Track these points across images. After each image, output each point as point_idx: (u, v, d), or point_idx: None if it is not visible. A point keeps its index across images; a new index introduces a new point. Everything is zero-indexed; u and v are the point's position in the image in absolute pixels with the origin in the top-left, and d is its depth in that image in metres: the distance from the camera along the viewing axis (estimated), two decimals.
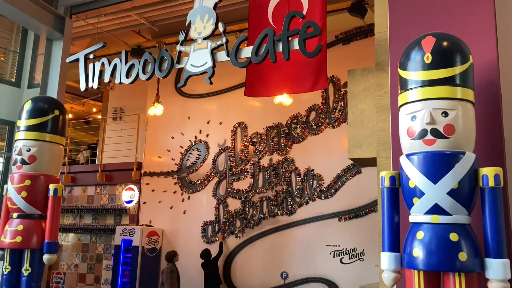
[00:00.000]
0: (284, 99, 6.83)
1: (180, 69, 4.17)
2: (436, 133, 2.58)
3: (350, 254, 7.00)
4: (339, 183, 7.31)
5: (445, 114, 2.59)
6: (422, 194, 2.57)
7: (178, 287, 7.36)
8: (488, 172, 2.52)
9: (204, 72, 3.87)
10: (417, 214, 2.63)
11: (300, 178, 7.64)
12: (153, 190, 9.06)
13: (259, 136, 8.20)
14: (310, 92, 6.76)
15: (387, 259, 2.71)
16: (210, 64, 3.86)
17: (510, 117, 3.24)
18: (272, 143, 8.05)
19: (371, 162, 4.48)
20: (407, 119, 2.73)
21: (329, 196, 7.34)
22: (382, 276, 2.80)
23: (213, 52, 3.86)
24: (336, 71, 7.61)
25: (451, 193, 2.50)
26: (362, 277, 6.80)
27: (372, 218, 6.93)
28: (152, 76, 4.07)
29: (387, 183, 2.84)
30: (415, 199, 2.61)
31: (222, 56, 3.89)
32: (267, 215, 7.78)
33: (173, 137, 9.10)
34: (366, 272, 6.78)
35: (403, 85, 2.82)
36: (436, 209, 2.54)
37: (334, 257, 7.10)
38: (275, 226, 7.70)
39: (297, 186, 7.63)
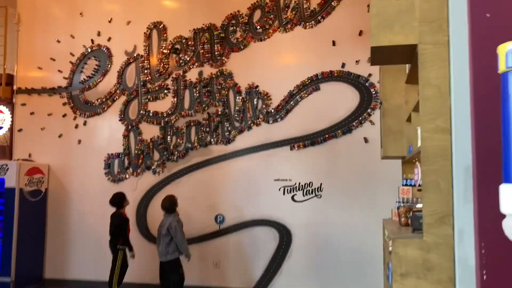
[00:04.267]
0: None
1: None
2: None
3: (305, 190, 5.64)
4: (291, 103, 5.77)
5: None
6: None
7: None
8: None
9: None
10: None
11: (240, 97, 5.93)
12: (32, 113, 6.66)
13: (183, 41, 6.21)
14: None
15: None
16: None
17: None
18: (202, 51, 6.13)
19: (400, 55, 2.98)
20: None
21: (279, 120, 5.79)
22: (505, 224, 1.40)
23: None
24: None
25: None
26: (319, 217, 5.54)
27: (332, 145, 5.59)
28: None
29: None
30: None
31: None
32: (196, 144, 6.02)
33: (59, 41, 6.65)
34: (325, 211, 5.52)
35: None
36: None
37: (284, 193, 5.69)
38: (207, 158, 6.00)
39: (237, 108, 5.93)
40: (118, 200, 5.15)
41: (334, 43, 5.65)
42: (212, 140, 5.99)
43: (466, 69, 2.43)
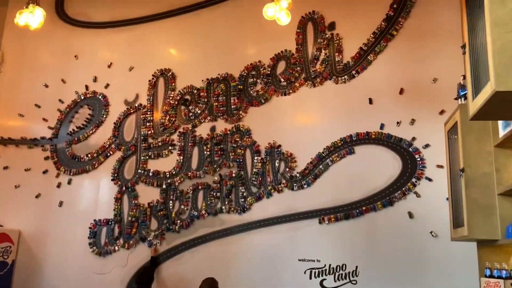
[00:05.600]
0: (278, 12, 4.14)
1: None
2: None
3: (337, 274, 4.63)
4: (320, 167, 4.91)
5: None
6: None
7: None
8: None
9: None
10: None
11: (259, 158, 5.05)
12: (6, 168, 5.60)
13: (195, 91, 5.40)
14: (278, 32, 4.37)
15: None
16: None
17: None
18: (216, 104, 5.31)
19: None
20: None
21: (305, 186, 4.89)
22: None
23: None
24: (318, 4, 5.23)
25: None
26: None
27: (369, 219, 4.66)
28: None
29: None
30: None
31: None
32: (203, 212, 5.02)
33: (47, 85, 5.76)
34: None
35: None
36: None
37: (310, 277, 4.66)
38: (217, 229, 4.98)
39: (255, 170, 5.03)
40: None
41: (371, 101, 4.91)
42: (223, 207, 5.00)
43: None
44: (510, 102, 2.31)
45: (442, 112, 4.64)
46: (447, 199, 4.41)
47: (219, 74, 5.38)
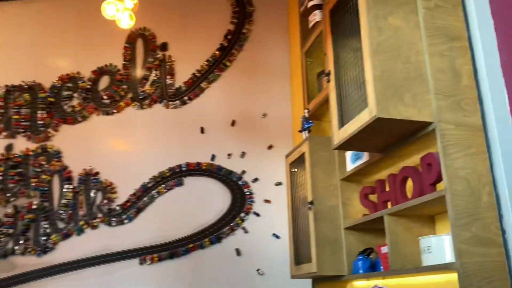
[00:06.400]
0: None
1: None
2: None
3: None
4: (145, 199, 4.32)
5: None
6: None
7: None
8: None
9: None
10: None
11: (70, 187, 4.18)
12: None
13: None
14: (103, 42, 3.94)
15: None
16: None
17: None
18: (17, 117, 4.27)
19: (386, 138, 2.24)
20: None
21: (126, 221, 4.22)
22: None
23: None
24: (150, 21, 4.81)
25: None
26: None
27: (197, 258, 4.25)
28: None
29: None
30: None
31: None
32: None
33: None
34: None
35: None
36: None
37: None
38: (6, 276, 3.86)
39: (64, 201, 4.13)
40: None
41: (202, 130, 4.63)
42: (16, 247, 3.93)
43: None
44: (384, 131, 2.29)
45: (270, 147, 4.65)
46: (274, 234, 4.37)
47: (23, 81, 4.38)
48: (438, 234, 2.13)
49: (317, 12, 3.73)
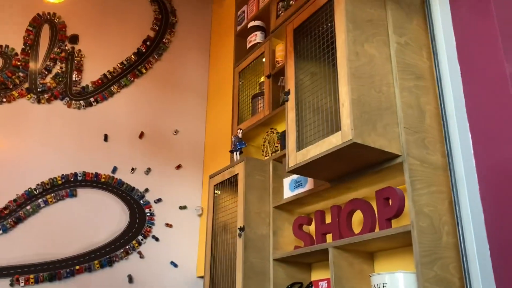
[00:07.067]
0: None
1: None
2: None
3: None
4: (28, 207, 3.63)
5: None
6: None
7: None
8: None
9: None
10: None
11: None
12: None
13: None
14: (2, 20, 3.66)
15: None
16: None
17: None
18: None
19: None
20: None
21: (0, 232, 3.48)
22: None
23: None
24: (62, 8, 4.25)
25: None
26: None
27: (82, 282, 3.66)
28: None
29: None
30: None
31: None
32: None
33: None
34: None
35: None
36: None
37: None
38: None
39: None
40: None
41: (106, 138, 4.12)
42: None
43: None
44: (351, 157, 2.21)
45: (179, 166, 4.34)
46: (172, 262, 4.02)
47: None
48: (391, 272, 2.07)
49: (258, 33, 3.63)
